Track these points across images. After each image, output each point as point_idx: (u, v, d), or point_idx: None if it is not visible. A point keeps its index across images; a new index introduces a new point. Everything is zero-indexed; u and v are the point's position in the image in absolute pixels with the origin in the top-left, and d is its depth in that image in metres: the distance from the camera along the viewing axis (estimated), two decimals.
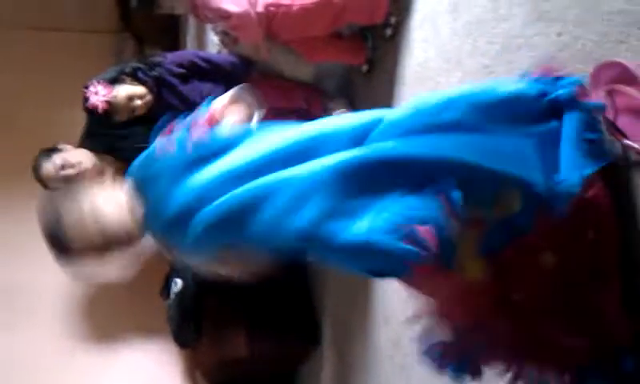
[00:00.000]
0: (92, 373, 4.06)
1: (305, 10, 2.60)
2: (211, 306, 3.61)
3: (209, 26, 3.49)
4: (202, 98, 2.86)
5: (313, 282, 3.74)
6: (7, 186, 4.30)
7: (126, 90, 2.76)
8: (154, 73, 2.89)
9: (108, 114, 2.76)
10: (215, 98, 2.84)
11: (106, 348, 4.15)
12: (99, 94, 2.71)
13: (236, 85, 2.95)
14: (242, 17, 2.66)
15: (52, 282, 4.13)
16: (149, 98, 2.82)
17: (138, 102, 2.78)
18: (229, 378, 3.83)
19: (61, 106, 4.27)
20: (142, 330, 4.16)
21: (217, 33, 3.14)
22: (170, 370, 4.16)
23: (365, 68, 2.93)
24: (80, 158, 3.32)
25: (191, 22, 4.21)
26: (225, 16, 2.72)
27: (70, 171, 3.26)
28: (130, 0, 2.97)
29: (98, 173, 3.38)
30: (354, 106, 3.01)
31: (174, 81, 2.90)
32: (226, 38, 3.08)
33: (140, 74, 2.85)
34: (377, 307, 2.90)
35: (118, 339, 4.17)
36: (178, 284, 3.60)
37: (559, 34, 1.72)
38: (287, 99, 2.96)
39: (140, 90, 2.79)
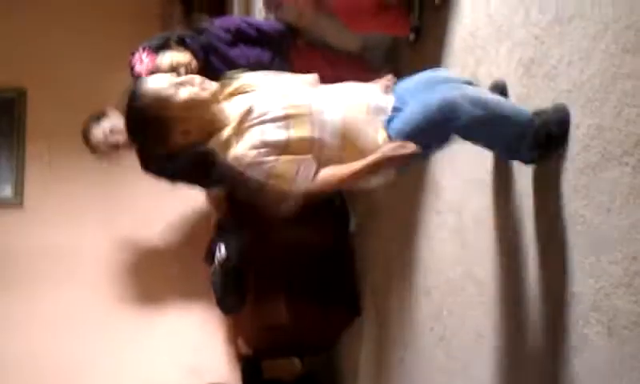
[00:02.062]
0: (135, 334, 4.16)
1: None
2: (253, 274, 3.64)
3: None
4: (249, 64, 2.90)
5: (354, 253, 3.74)
6: (59, 150, 4.38)
7: (170, 59, 2.76)
8: (201, 38, 2.89)
9: None
10: (262, 64, 2.88)
11: (150, 311, 4.22)
12: (143, 63, 2.72)
13: (282, 52, 2.99)
14: None
15: (97, 245, 4.25)
16: (194, 64, 2.82)
17: (182, 71, 2.79)
18: (270, 345, 3.88)
19: (110, 70, 4.31)
20: (186, 294, 4.23)
21: None
22: (212, 335, 4.23)
23: (412, 37, 2.88)
24: None
25: None
26: None
27: (119, 137, 3.32)
28: None
29: None
30: (400, 75, 2.98)
31: (222, 46, 2.90)
32: (270, 2, 3.07)
33: (187, 40, 2.86)
34: (418, 279, 2.90)
35: (162, 303, 4.24)
36: (222, 250, 3.63)
37: (612, 5, 1.67)
38: (332, 68, 2.94)
39: (185, 57, 2.79)
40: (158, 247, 4.31)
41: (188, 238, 4.29)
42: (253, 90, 1.98)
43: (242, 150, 1.84)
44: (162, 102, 1.85)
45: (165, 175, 3.56)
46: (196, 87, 1.89)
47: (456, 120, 1.83)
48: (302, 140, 1.86)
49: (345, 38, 2.96)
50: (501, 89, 2.16)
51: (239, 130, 1.86)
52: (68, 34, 4.67)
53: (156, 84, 1.89)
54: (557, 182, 1.89)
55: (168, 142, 1.90)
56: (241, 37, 2.94)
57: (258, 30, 2.98)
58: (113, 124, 3.34)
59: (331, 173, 1.87)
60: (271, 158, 1.82)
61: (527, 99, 2.06)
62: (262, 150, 1.82)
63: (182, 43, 2.85)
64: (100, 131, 3.34)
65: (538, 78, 2.01)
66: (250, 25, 2.98)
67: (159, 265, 4.25)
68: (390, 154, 1.81)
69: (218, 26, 2.94)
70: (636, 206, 1.56)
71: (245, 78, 2.04)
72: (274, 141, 1.83)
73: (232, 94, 1.99)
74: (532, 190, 2.04)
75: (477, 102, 1.85)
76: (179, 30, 3.05)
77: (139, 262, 4.27)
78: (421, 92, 1.98)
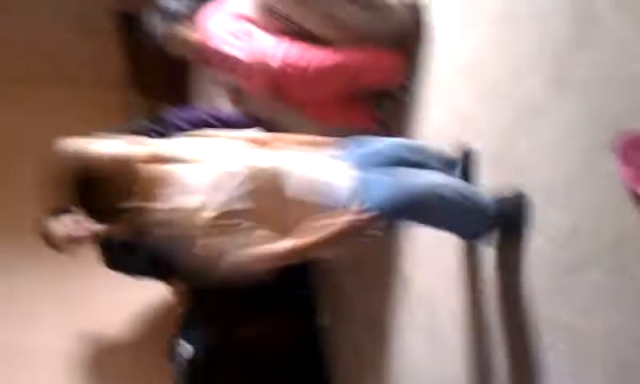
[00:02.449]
0: None
1: (319, 72, 2.55)
2: (221, 372, 3.52)
3: (219, 82, 3.47)
4: None
5: (324, 345, 3.65)
6: (7, 243, 4.23)
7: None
8: (164, 130, 2.85)
9: None
10: None
11: None
12: None
13: None
14: (251, 67, 2.62)
15: (53, 342, 4.06)
16: None
17: None
18: None
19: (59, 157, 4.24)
20: None
21: (224, 86, 3.12)
22: None
23: (378, 130, 2.87)
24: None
25: (200, 78, 4.20)
26: (232, 64, 2.67)
27: (78, 232, 3.21)
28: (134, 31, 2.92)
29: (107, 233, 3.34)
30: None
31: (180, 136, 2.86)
32: (234, 92, 3.06)
33: (150, 133, 2.80)
34: (388, 372, 2.82)
35: None
36: (187, 349, 3.50)
37: (581, 100, 1.67)
38: None
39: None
40: (119, 344, 4.14)
41: (150, 333, 4.14)
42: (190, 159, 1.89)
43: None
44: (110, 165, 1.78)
45: (126, 270, 3.47)
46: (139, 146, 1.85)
47: (437, 208, 1.86)
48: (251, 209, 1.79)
49: (308, 130, 2.95)
50: (466, 155, 2.18)
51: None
52: (23, 124, 4.59)
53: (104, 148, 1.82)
54: (532, 283, 1.86)
55: (114, 199, 1.80)
56: (203, 127, 2.90)
57: (221, 120, 2.96)
58: (72, 218, 3.23)
59: (292, 243, 1.78)
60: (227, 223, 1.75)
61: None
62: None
63: (143, 134, 2.79)
64: (62, 227, 3.22)
65: (506, 172, 2.00)
66: (212, 116, 2.95)
67: (121, 363, 4.06)
68: (355, 223, 1.76)
69: (180, 118, 2.90)
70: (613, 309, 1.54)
71: (183, 142, 1.98)
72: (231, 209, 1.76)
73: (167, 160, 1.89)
74: (505, 287, 2.01)
75: (455, 192, 1.90)
76: (138, 120, 3.00)
77: (98, 360, 4.08)
78: (390, 164, 1.98)
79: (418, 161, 2.05)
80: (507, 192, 1.95)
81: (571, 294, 1.69)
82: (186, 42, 2.77)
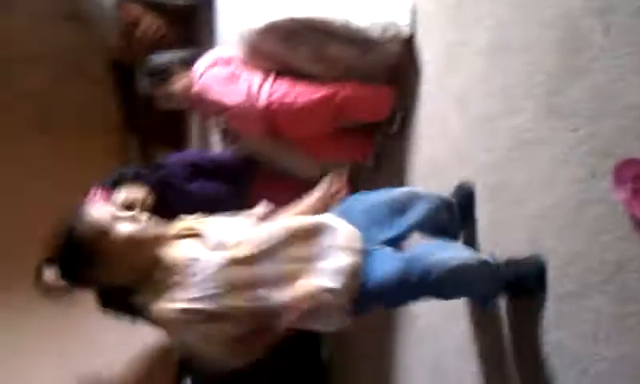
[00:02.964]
0: None
1: (305, 107, 2.58)
2: None
3: (213, 125, 3.50)
4: (207, 197, 2.85)
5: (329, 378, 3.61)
6: (8, 288, 4.20)
7: (125, 195, 2.69)
8: (158, 174, 2.85)
9: None
10: (220, 197, 2.84)
11: None
12: (95, 199, 2.65)
13: (241, 183, 2.96)
14: (241, 109, 2.65)
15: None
16: (150, 200, 2.76)
17: (137, 208, 2.71)
18: None
19: (62, 207, 4.23)
20: None
21: (220, 129, 3.14)
22: None
23: (371, 163, 2.88)
24: None
25: (195, 122, 4.22)
26: (223, 109, 2.72)
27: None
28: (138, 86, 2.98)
29: None
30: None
31: (178, 181, 2.87)
32: (228, 134, 3.08)
33: (143, 176, 2.81)
34: None
35: None
36: None
37: (574, 130, 1.67)
38: (293, 195, 2.91)
39: (140, 193, 2.72)
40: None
41: (149, 376, 4.10)
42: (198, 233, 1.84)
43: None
44: (97, 234, 1.72)
45: (123, 313, 3.43)
46: (140, 224, 1.78)
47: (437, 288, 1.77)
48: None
49: (304, 164, 2.95)
50: (466, 191, 2.14)
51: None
52: (20, 180, 4.61)
53: (95, 214, 1.77)
54: (537, 310, 1.83)
55: (91, 274, 1.77)
56: (199, 171, 2.92)
57: (216, 162, 2.97)
58: None
59: None
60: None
61: (496, 224, 2.03)
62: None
63: (138, 179, 2.79)
64: (53, 273, 3.20)
65: (505, 204, 1.99)
66: (206, 159, 2.96)
67: None
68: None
69: (174, 162, 2.91)
70: (620, 336, 1.51)
71: (192, 221, 1.92)
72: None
73: (177, 237, 1.85)
74: (511, 319, 1.98)
75: (455, 269, 1.74)
76: (135, 166, 3.01)
77: None
78: (383, 220, 1.91)
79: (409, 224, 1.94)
80: (522, 258, 1.87)
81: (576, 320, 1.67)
82: (178, 96, 2.84)
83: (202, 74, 2.79)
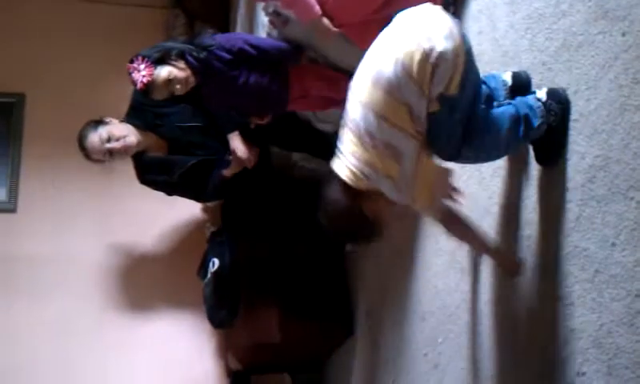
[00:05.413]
0: (125, 344, 4.09)
1: None
2: (246, 289, 3.60)
3: (259, 6, 3.45)
4: (247, 88, 2.87)
5: (350, 271, 3.70)
6: (55, 155, 4.33)
7: (166, 73, 2.70)
8: (202, 56, 2.85)
9: (146, 93, 2.75)
10: (262, 86, 2.86)
11: (140, 321, 4.15)
12: (140, 73, 2.68)
13: (281, 71, 2.96)
14: None
15: (90, 252, 4.20)
16: (191, 80, 2.78)
17: (177, 87, 2.74)
18: (261, 361, 3.83)
19: (109, 76, 4.30)
20: (177, 306, 4.17)
21: (267, 13, 3.09)
22: (202, 348, 4.17)
23: None
24: (125, 132, 3.34)
25: (242, 1, 4.16)
26: None
27: (114, 144, 3.29)
28: None
29: (141, 149, 3.41)
30: None
31: (221, 66, 2.87)
32: (277, 19, 3.04)
33: (187, 57, 2.82)
34: (414, 303, 2.85)
35: (153, 314, 4.17)
36: (215, 264, 3.59)
37: (623, 34, 1.64)
38: (334, 90, 2.91)
39: (182, 74, 2.74)
40: (151, 257, 4.26)
41: (182, 249, 4.25)
42: None
43: None
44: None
45: (160, 186, 3.54)
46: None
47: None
48: None
49: (350, 57, 2.93)
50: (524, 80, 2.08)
51: None
52: (68, 39, 4.64)
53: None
54: (560, 212, 1.85)
55: None
56: (242, 58, 2.90)
57: (260, 49, 2.95)
58: (109, 131, 3.30)
59: None
60: None
61: None
62: None
63: (182, 57, 2.80)
64: (97, 137, 3.30)
65: None
66: (251, 45, 2.94)
67: (152, 275, 4.19)
68: None
69: (220, 44, 2.90)
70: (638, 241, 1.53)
71: None
72: None
73: None
74: (535, 218, 2.00)
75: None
76: (180, 43, 3.01)
77: (131, 271, 4.21)
78: None
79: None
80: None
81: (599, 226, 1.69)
82: None
83: None
